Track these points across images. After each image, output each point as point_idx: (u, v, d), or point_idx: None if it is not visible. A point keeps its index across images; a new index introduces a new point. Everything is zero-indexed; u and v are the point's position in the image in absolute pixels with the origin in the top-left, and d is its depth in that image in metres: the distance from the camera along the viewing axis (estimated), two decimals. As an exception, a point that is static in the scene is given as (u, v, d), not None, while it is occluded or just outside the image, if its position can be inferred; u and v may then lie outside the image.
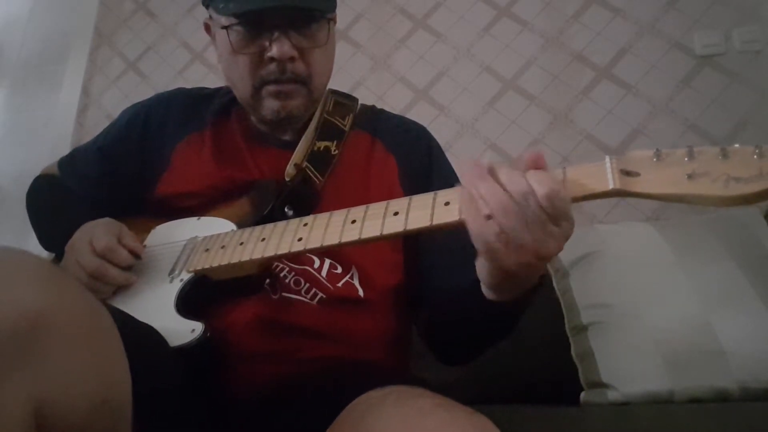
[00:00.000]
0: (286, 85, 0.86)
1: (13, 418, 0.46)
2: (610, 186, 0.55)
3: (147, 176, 0.95)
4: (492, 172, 0.57)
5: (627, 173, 0.56)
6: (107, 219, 0.88)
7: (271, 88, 0.87)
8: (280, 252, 0.73)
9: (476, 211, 0.56)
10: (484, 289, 0.65)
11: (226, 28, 0.85)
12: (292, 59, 0.84)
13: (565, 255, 1.33)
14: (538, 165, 0.57)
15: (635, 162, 0.56)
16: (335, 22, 0.93)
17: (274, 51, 0.83)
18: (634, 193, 0.55)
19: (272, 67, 0.85)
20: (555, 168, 0.60)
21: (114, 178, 0.99)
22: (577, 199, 0.57)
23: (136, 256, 0.83)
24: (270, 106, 0.88)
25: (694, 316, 1.13)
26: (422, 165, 0.94)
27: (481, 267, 0.62)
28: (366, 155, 0.94)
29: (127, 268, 0.82)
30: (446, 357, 0.87)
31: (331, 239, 0.70)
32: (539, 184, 0.54)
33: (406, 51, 2.02)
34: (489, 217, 0.55)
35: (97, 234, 0.82)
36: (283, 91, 0.87)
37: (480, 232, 0.56)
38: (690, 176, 0.52)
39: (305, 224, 0.74)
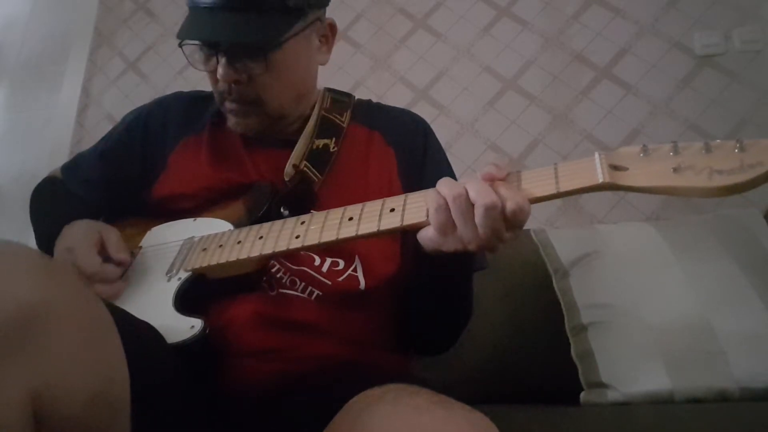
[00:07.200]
0: (238, 104, 0.89)
1: (11, 405, 0.47)
2: (600, 180, 0.58)
3: (146, 179, 0.96)
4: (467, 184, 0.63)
5: (616, 168, 0.59)
6: (84, 228, 0.88)
7: (227, 104, 0.90)
8: (278, 249, 0.74)
9: (442, 215, 0.63)
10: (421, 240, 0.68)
11: (180, 46, 0.87)
12: (237, 82, 0.86)
13: (565, 255, 1.32)
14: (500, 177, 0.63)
15: (623, 157, 0.60)
16: (317, 33, 0.92)
17: (218, 73, 0.85)
18: (623, 186, 0.58)
19: (224, 85, 0.87)
20: (546, 165, 0.63)
21: (115, 182, 1.00)
22: (569, 193, 0.60)
23: (124, 264, 0.84)
24: (230, 119, 0.91)
25: (694, 316, 1.13)
26: (418, 154, 0.96)
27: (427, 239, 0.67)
28: (365, 150, 0.95)
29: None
30: (422, 343, 0.90)
31: (329, 236, 0.70)
32: (510, 200, 0.60)
33: (406, 51, 2.02)
34: (453, 223, 0.62)
35: (81, 257, 0.82)
36: (234, 110, 0.90)
37: (440, 227, 0.64)
38: (675, 169, 0.56)
39: (302, 222, 0.75)
